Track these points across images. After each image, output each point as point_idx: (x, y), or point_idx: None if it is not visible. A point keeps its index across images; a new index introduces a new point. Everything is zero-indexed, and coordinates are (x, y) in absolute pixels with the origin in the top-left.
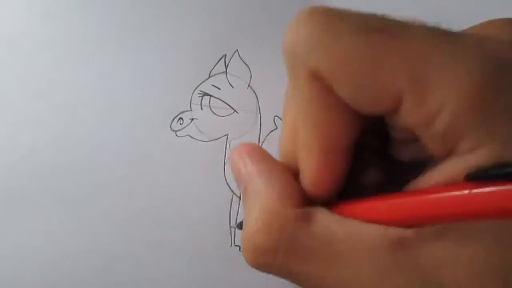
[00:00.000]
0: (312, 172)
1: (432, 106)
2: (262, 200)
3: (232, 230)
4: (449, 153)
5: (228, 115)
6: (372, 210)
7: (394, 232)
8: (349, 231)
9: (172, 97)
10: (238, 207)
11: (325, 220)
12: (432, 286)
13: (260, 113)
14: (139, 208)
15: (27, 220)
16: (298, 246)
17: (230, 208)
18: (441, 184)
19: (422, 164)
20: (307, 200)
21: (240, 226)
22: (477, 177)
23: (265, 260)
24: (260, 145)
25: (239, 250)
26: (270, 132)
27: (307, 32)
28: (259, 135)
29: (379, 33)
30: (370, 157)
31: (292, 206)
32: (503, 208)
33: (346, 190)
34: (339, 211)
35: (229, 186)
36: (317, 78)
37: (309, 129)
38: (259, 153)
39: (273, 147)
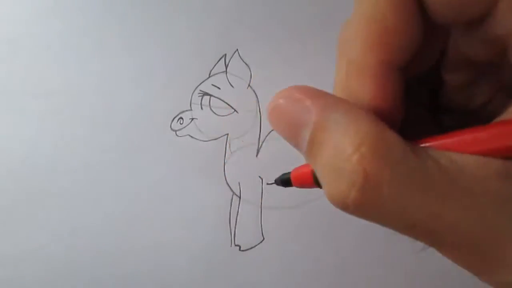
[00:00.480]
0: (368, 90)
1: None
2: (351, 128)
3: (232, 230)
4: None
5: (228, 114)
6: (460, 143)
7: (497, 163)
8: (453, 159)
9: (172, 97)
10: (238, 207)
11: (422, 147)
12: None
13: (260, 112)
14: (139, 208)
15: (27, 220)
16: (411, 173)
17: (230, 208)
18: None
19: (470, 115)
20: None
21: (281, 182)
22: None
23: (376, 192)
24: (260, 145)
25: (239, 250)
26: (270, 132)
27: None
28: (259, 135)
29: None
30: (419, 109)
31: (388, 130)
32: None
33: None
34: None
35: (229, 186)
36: None
37: (371, 40)
38: (312, 89)
39: (274, 147)
